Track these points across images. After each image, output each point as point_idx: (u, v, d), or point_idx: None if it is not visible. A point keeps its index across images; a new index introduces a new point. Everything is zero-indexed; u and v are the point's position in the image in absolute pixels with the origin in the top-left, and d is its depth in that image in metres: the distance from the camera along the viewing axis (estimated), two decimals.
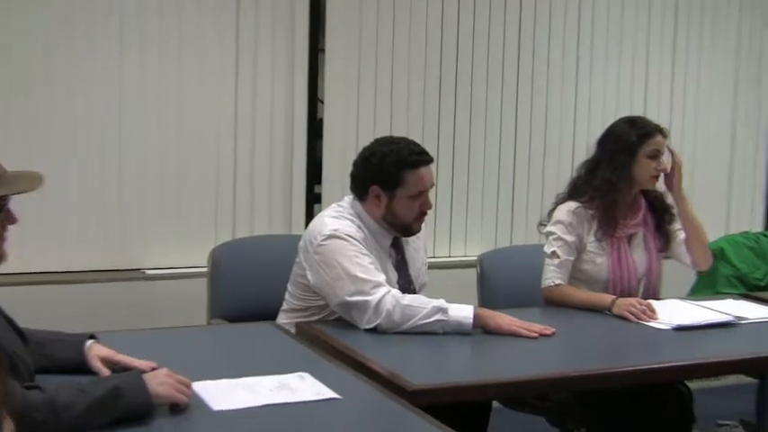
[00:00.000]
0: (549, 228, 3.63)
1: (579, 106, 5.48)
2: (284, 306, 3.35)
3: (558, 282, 3.55)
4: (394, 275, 3.20)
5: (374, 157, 3.12)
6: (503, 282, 3.95)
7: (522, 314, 3.20)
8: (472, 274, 4.10)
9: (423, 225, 3.24)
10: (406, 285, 3.27)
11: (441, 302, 2.97)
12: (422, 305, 2.95)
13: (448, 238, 5.30)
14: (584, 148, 3.93)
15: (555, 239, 3.59)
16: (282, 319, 3.33)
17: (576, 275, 3.66)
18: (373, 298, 2.92)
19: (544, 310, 3.55)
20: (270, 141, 4.78)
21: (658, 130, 3.65)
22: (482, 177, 5.36)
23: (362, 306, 2.95)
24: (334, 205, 3.26)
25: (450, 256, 5.30)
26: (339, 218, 3.13)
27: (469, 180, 5.32)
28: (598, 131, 3.81)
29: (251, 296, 3.63)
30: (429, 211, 3.26)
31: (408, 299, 2.96)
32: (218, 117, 4.69)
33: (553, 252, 3.59)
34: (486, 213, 5.35)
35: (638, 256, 3.70)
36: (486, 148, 5.31)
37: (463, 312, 2.96)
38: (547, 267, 3.58)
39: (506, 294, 3.85)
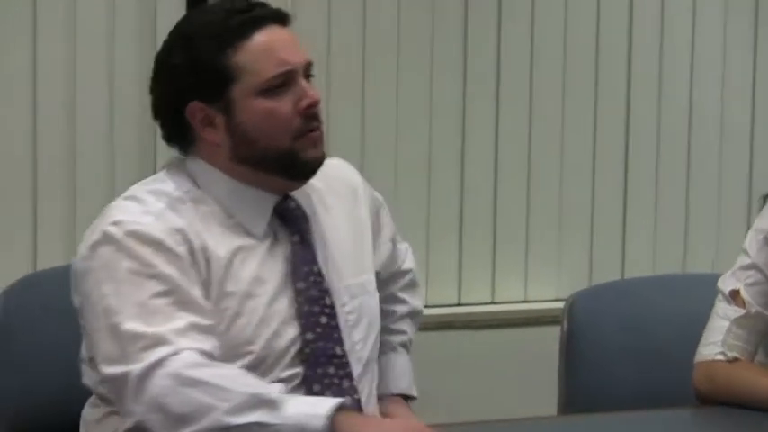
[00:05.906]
0: (745, 248, 2.67)
1: None
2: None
3: (733, 354, 2.59)
4: (285, 278, 2.22)
5: (170, 54, 2.25)
6: (613, 350, 2.86)
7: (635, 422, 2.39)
8: (547, 337, 3.17)
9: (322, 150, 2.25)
10: (319, 309, 2.24)
11: (270, 391, 2.06)
12: (232, 386, 2.04)
13: (490, 269, 4.09)
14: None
15: (744, 269, 2.65)
16: (91, 413, 2.32)
17: None
18: (137, 367, 2.04)
19: (698, 414, 2.58)
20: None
21: None
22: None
23: (120, 385, 2.10)
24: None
25: (492, 301, 4.12)
26: (150, 191, 2.23)
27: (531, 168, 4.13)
28: None
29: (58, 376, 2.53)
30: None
31: (211, 371, 2.04)
32: None
33: (734, 292, 2.64)
34: (565, 223, 4.18)
35: None
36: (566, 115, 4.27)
37: (312, 410, 2.03)
38: (715, 323, 2.63)
39: (624, 380, 2.82)
